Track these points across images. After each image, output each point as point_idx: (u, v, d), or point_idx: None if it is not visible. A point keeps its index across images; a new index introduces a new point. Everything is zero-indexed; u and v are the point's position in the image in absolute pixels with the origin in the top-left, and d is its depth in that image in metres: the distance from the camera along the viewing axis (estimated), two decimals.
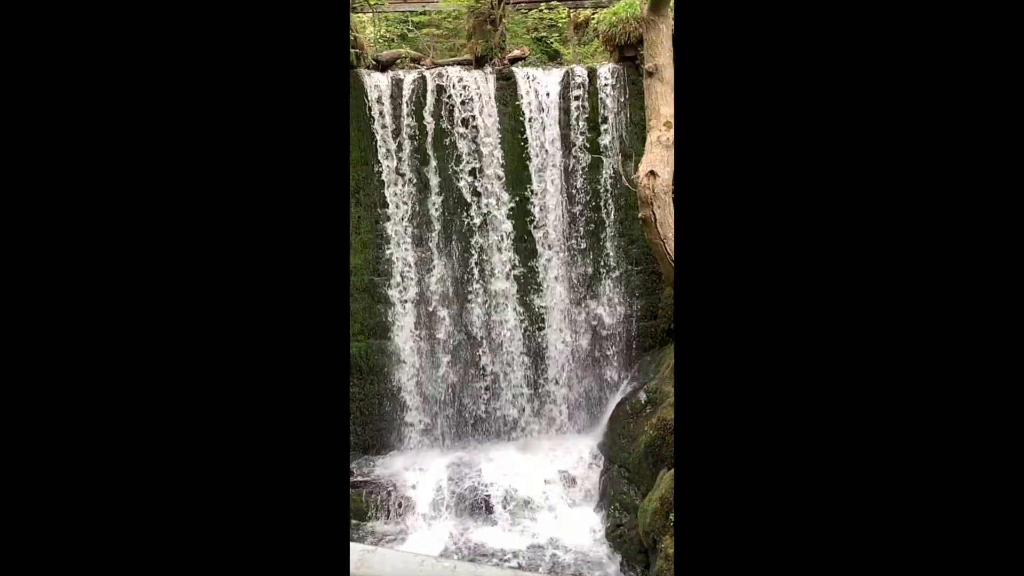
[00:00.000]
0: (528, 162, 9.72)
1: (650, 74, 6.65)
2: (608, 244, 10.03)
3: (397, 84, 9.47)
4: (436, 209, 9.69)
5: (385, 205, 9.64)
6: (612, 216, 9.96)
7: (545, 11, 12.62)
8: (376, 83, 9.45)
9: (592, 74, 9.75)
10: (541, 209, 9.82)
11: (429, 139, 9.51)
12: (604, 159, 9.79)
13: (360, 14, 10.71)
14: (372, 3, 10.53)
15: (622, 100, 9.75)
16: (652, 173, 6.21)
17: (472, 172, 9.63)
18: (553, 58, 13.63)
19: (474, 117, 9.51)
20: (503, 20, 10.18)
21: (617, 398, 9.96)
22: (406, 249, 9.78)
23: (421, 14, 13.00)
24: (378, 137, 9.45)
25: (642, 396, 9.22)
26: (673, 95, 6.70)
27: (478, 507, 9.28)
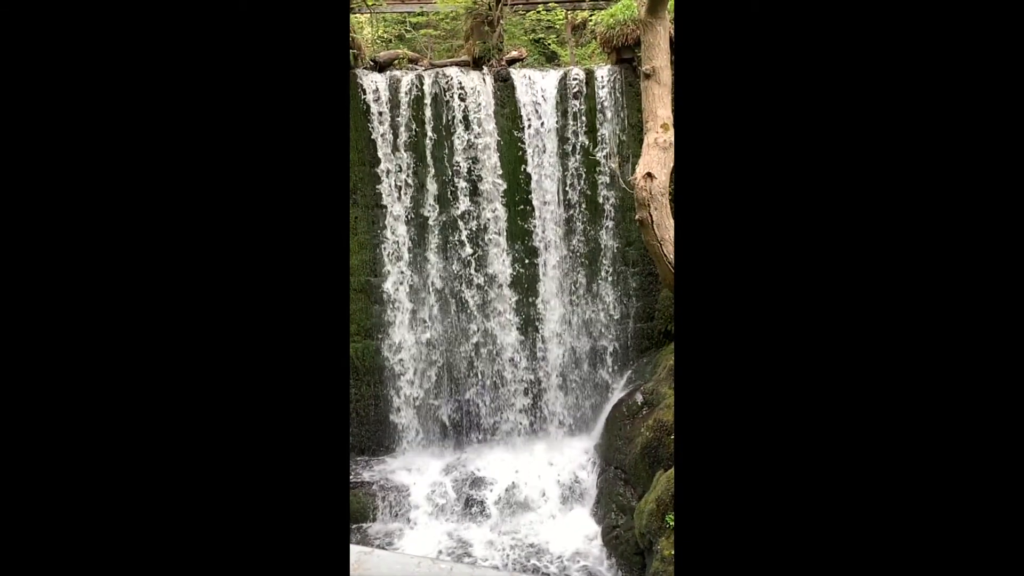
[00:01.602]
0: (525, 163, 9.72)
1: (647, 76, 6.65)
2: (605, 246, 10.03)
3: (395, 85, 9.47)
4: (433, 210, 9.68)
5: (382, 206, 9.64)
6: (609, 218, 9.97)
7: (543, 13, 12.63)
8: (374, 84, 9.44)
9: (589, 76, 9.76)
10: (538, 210, 9.82)
11: (426, 140, 9.51)
12: (601, 161, 9.80)
13: (358, 15, 10.70)
14: (370, 3, 10.53)
15: (619, 102, 9.76)
16: (649, 175, 6.21)
17: (469, 173, 9.63)
18: (551, 60, 13.64)
19: (471, 118, 9.50)
20: (501, 21, 10.19)
21: (613, 400, 9.95)
22: (402, 250, 9.77)
23: (419, 15, 13.00)
24: (375, 138, 9.45)
25: (638, 398, 9.22)
26: (670, 97, 6.71)
27: (474, 508, 9.28)
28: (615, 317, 10.21)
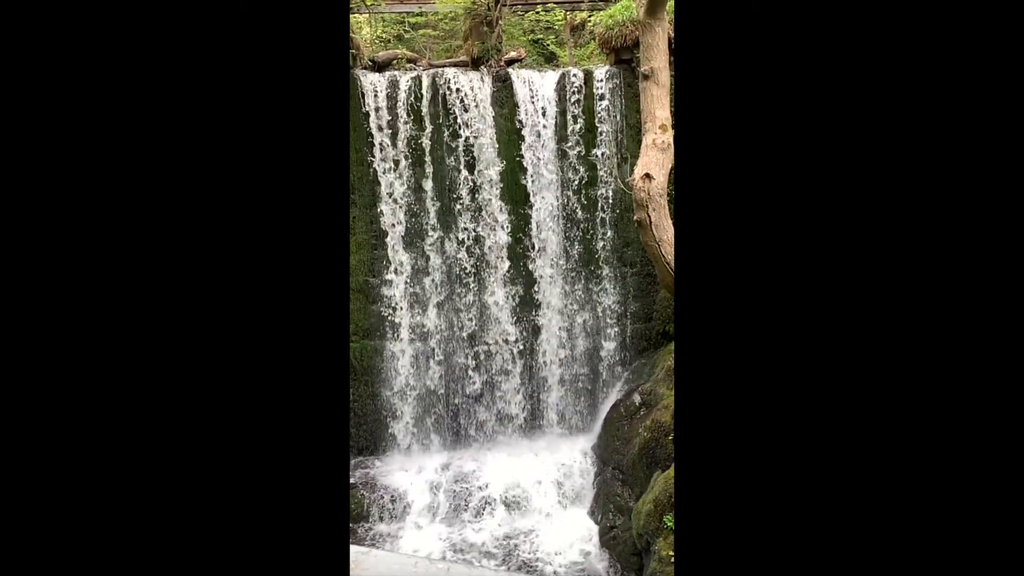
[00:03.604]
0: (523, 164, 9.72)
1: (646, 77, 6.65)
2: (603, 246, 10.04)
3: (393, 85, 9.47)
4: (431, 210, 9.69)
5: (380, 206, 9.64)
6: (607, 218, 9.97)
7: (542, 13, 12.63)
8: (372, 84, 9.44)
9: (588, 76, 9.76)
10: (536, 211, 9.83)
11: (425, 140, 9.51)
12: (599, 161, 9.81)
13: (357, 15, 10.69)
14: (369, 4, 10.53)
15: (618, 103, 9.76)
16: (647, 176, 6.21)
17: (467, 173, 9.64)
18: (549, 60, 13.64)
19: (470, 118, 9.51)
20: (500, 22, 10.18)
21: (611, 400, 9.96)
22: (401, 250, 9.77)
23: (418, 15, 12.99)
24: (374, 137, 9.45)
25: (636, 398, 9.23)
26: (668, 98, 6.71)
27: (472, 509, 9.28)
28: (613, 318, 10.22)
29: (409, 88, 9.44)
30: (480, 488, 9.46)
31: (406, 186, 9.63)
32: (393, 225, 9.70)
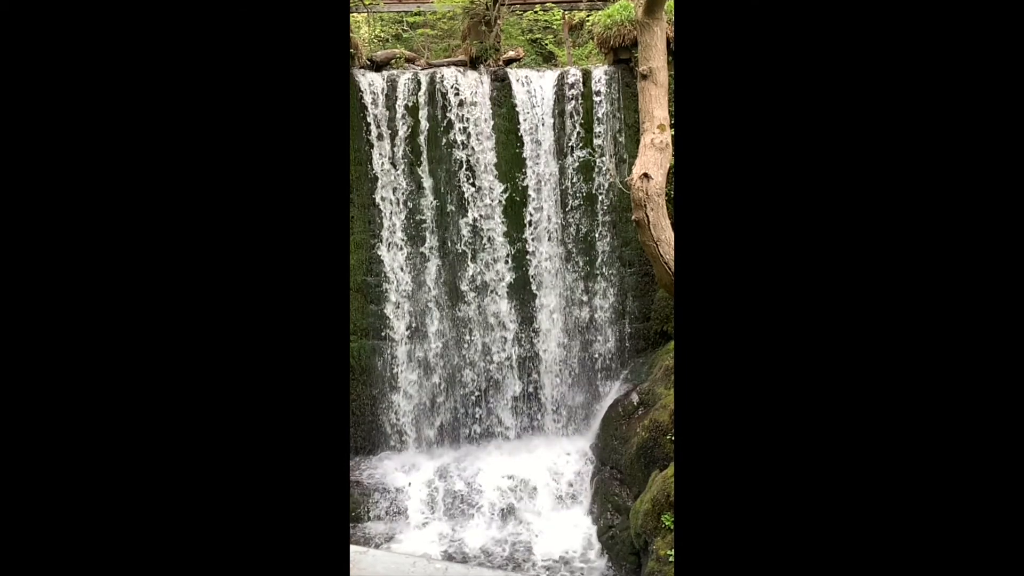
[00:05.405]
0: (522, 163, 9.72)
1: (644, 77, 6.65)
2: (601, 246, 10.04)
3: (391, 84, 9.46)
4: (429, 210, 9.69)
5: (378, 205, 9.63)
6: (605, 218, 9.98)
7: (540, 13, 12.64)
8: (370, 83, 9.43)
9: (586, 76, 9.77)
10: (534, 210, 9.83)
11: (423, 140, 9.50)
12: (598, 161, 9.82)
13: (355, 14, 10.69)
14: (367, 3, 10.52)
15: (616, 102, 9.77)
16: (645, 175, 6.21)
17: (466, 173, 9.64)
18: (548, 60, 13.64)
19: (468, 118, 9.51)
20: (498, 21, 10.19)
21: (609, 400, 9.97)
22: (399, 249, 9.77)
23: (416, 14, 12.99)
24: (372, 137, 9.44)
25: (634, 398, 9.24)
26: (667, 98, 6.71)
27: (469, 508, 9.27)
28: (611, 317, 10.22)
29: (407, 88, 9.44)
30: (477, 487, 9.46)
31: (404, 186, 9.62)
32: (390, 231, 9.70)
